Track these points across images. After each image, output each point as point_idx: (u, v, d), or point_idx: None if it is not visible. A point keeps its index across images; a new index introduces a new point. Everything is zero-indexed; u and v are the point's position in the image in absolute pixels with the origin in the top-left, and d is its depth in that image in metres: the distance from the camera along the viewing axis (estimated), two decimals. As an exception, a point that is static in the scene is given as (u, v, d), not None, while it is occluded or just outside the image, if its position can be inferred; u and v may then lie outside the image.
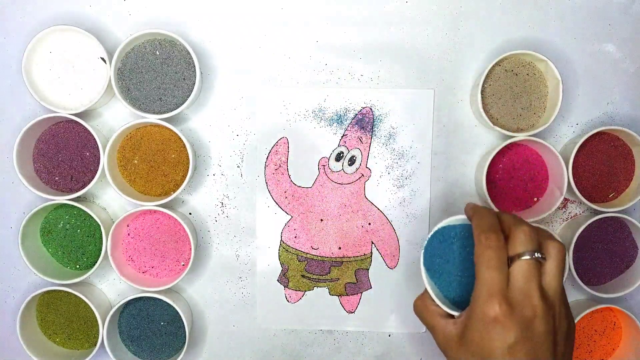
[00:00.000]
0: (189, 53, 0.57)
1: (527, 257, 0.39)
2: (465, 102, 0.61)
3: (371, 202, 0.61)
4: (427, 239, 0.46)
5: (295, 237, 0.62)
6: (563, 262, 0.40)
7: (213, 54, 0.60)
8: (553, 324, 0.39)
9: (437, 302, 0.44)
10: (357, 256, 0.62)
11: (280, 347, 0.63)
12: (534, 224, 0.54)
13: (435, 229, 0.46)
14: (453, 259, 0.45)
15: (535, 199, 0.61)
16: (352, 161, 0.61)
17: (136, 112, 0.57)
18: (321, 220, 0.61)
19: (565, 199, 0.62)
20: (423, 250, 0.46)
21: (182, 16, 0.60)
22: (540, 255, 0.40)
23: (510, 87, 0.59)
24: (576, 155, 0.58)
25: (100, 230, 0.58)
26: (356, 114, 0.61)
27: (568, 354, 0.41)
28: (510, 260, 0.40)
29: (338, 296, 0.62)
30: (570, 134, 0.61)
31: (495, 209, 0.57)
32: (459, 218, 0.46)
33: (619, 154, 0.60)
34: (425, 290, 0.45)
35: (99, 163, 0.58)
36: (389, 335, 0.63)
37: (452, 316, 0.43)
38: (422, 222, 0.62)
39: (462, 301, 0.44)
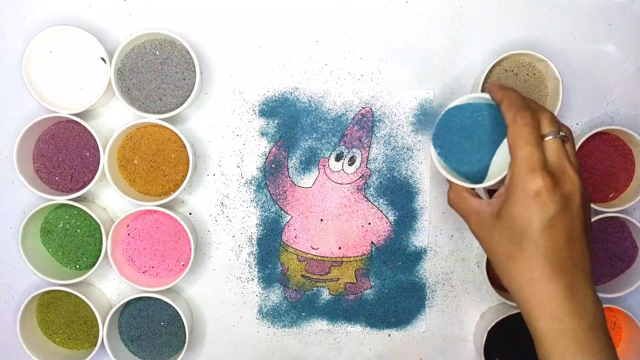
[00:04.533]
0: (189, 53, 0.57)
1: (555, 136, 0.40)
2: (465, 102, 0.61)
3: (371, 202, 0.61)
4: (437, 121, 0.46)
5: (295, 237, 0.62)
6: (574, 143, 0.43)
7: (213, 54, 0.60)
8: (586, 199, 0.41)
9: (460, 182, 0.44)
10: (357, 256, 0.62)
11: (280, 347, 0.63)
12: None
13: (445, 110, 0.46)
14: (469, 136, 0.45)
15: (535, 199, 0.61)
16: (352, 161, 0.61)
17: (136, 112, 0.57)
18: (321, 220, 0.61)
19: (565, 199, 0.62)
20: (434, 132, 0.46)
21: (182, 16, 0.60)
22: (564, 135, 0.41)
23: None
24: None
25: (100, 230, 0.58)
26: (356, 114, 0.61)
27: (590, 229, 0.42)
28: None
29: (338, 296, 0.62)
30: (570, 134, 0.61)
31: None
32: (465, 98, 0.46)
33: (619, 154, 0.60)
34: (452, 183, 0.45)
35: (99, 163, 0.58)
36: (389, 335, 0.63)
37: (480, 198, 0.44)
38: (422, 221, 0.62)
39: (477, 177, 0.44)
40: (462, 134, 0.45)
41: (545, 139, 0.41)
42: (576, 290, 0.40)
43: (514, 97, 0.42)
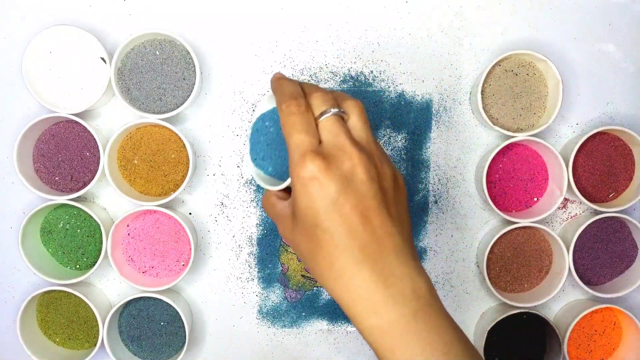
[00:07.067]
0: (189, 53, 0.57)
1: (329, 114, 0.37)
2: (465, 102, 0.61)
3: (371, 202, 0.61)
4: (250, 131, 0.44)
5: (295, 237, 0.61)
6: (364, 115, 0.39)
7: (213, 54, 0.60)
8: (376, 171, 0.37)
9: (265, 185, 0.41)
10: (357, 256, 0.62)
11: (280, 347, 0.63)
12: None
13: (255, 119, 0.44)
14: (272, 141, 0.43)
15: (535, 199, 0.61)
16: (352, 161, 0.61)
17: (136, 112, 0.57)
18: (321, 220, 0.61)
19: (565, 199, 0.62)
20: (249, 143, 0.44)
21: (182, 16, 0.60)
22: (340, 110, 0.38)
23: (510, 87, 0.59)
24: (576, 155, 0.58)
25: (100, 230, 0.58)
26: (356, 114, 0.61)
27: (400, 201, 0.38)
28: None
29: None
30: (570, 134, 0.61)
31: (493, 207, 0.58)
32: (266, 100, 0.44)
33: (619, 154, 0.60)
34: (266, 190, 0.42)
35: (99, 163, 0.58)
36: (389, 335, 0.63)
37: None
38: (422, 221, 0.62)
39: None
40: (268, 139, 0.43)
41: (319, 120, 0.37)
42: (388, 274, 0.35)
43: (283, 87, 0.39)
